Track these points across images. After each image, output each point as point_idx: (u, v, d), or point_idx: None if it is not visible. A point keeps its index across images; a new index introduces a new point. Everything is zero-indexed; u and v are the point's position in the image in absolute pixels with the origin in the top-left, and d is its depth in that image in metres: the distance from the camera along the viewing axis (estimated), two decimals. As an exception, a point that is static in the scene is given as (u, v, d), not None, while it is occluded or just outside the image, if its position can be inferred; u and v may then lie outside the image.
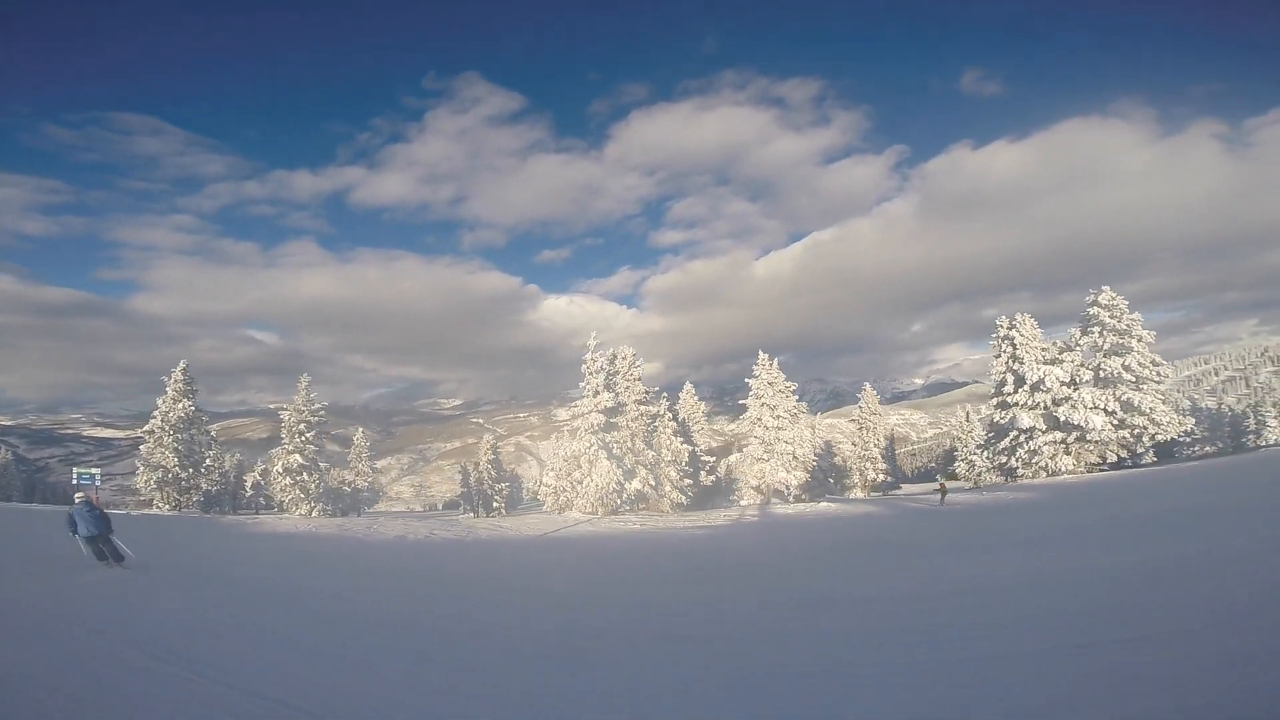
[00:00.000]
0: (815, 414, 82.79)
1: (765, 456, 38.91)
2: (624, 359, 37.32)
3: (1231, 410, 55.30)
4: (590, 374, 36.07)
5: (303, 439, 40.53)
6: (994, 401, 42.07)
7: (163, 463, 37.37)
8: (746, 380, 40.05)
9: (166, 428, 37.82)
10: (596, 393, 35.45)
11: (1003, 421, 40.64)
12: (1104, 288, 40.37)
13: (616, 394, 36.18)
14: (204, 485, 39.84)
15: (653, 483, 35.86)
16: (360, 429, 50.04)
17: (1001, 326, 41.77)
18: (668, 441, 37.48)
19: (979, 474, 64.09)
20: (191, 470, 38.63)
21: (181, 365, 39.41)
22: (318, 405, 41.66)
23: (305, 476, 40.01)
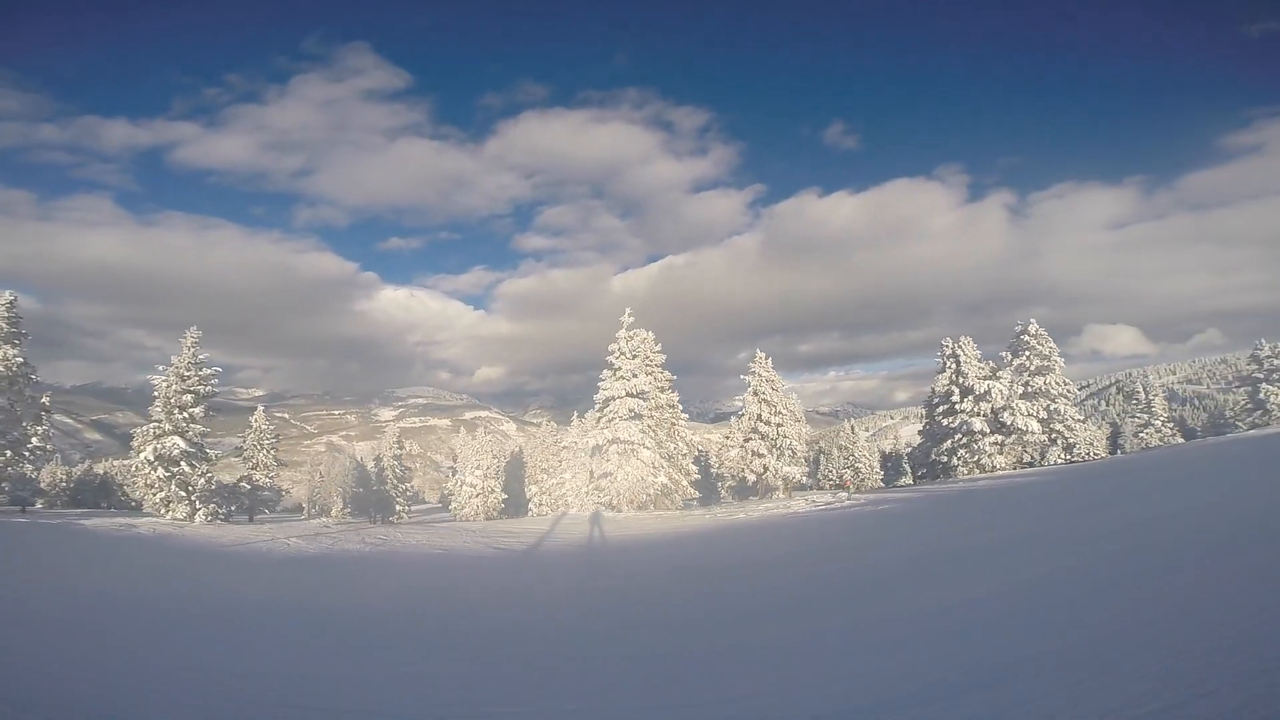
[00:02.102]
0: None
1: (765, 452, 35.48)
2: (644, 342, 31.35)
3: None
4: (622, 355, 29.57)
5: (185, 415, 28.40)
6: (940, 409, 43.34)
7: (-38, 441, 23.02)
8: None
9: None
10: (633, 375, 29.09)
11: (951, 425, 42.01)
12: (1030, 320, 44.19)
13: (638, 380, 30.10)
14: (29, 474, 25.48)
15: (674, 476, 30.35)
16: (260, 408, 36.85)
17: (947, 346, 43.89)
18: (682, 433, 32.24)
19: (862, 479, 67.47)
20: (9, 454, 24.45)
21: (6, 296, 25.04)
22: (208, 371, 29.59)
23: (188, 467, 27.90)
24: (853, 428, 68.93)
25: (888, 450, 74.25)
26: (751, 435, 36.39)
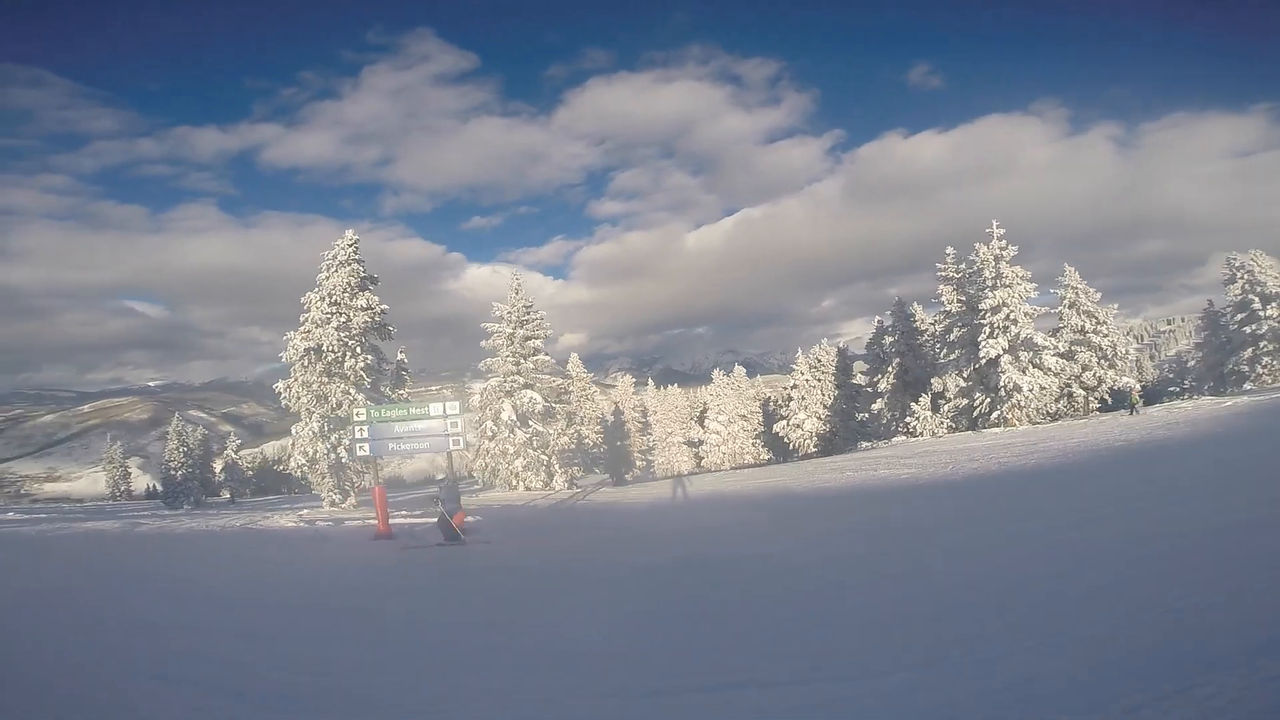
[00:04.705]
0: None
1: (1095, 364, 30.73)
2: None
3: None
4: (1003, 261, 24.25)
5: (532, 364, 23.93)
6: (1238, 318, 38.17)
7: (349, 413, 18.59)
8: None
9: (339, 339, 18.88)
10: (1019, 281, 24.04)
11: (1258, 332, 36.82)
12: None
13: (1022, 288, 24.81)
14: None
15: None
16: (574, 354, 32.10)
17: (1235, 259, 39.80)
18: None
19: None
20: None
21: (350, 236, 20.32)
22: (540, 315, 24.91)
23: (541, 425, 23.42)
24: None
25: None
26: (1077, 348, 31.33)
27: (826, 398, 40.75)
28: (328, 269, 19.77)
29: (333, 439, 18.26)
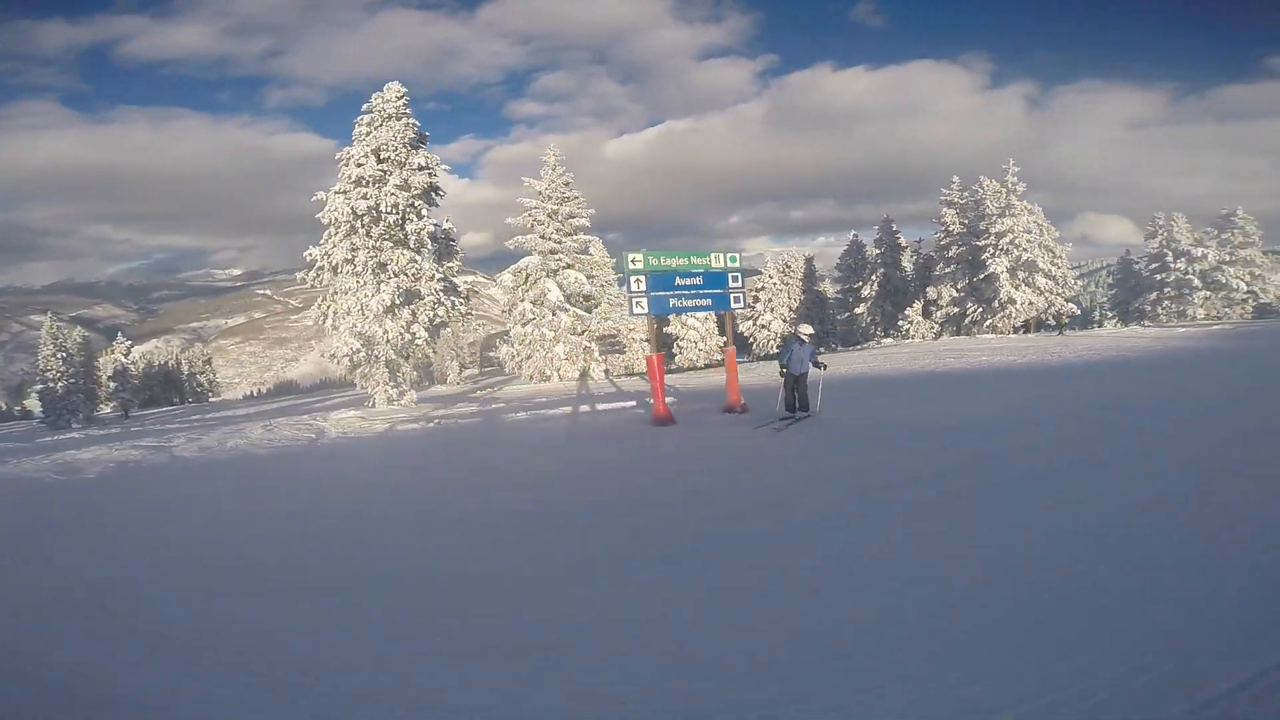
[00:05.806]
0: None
1: (1047, 290, 34.10)
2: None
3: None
4: (1013, 194, 25.77)
5: (575, 242, 23.58)
6: (1152, 266, 43.56)
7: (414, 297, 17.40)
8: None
9: (405, 199, 17.31)
10: (1024, 213, 25.60)
11: (1165, 280, 42.49)
12: (1237, 207, 43.16)
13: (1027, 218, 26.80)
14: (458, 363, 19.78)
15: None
16: (597, 238, 30.60)
17: (1159, 218, 42.53)
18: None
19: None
20: (449, 304, 18.53)
21: (397, 88, 18.02)
22: (578, 195, 24.10)
23: (589, 312, 23.58)
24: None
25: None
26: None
27: (793, 301, 43.07)
28: (370, 125, 17.48)
29: (404, 316, 16.91)
